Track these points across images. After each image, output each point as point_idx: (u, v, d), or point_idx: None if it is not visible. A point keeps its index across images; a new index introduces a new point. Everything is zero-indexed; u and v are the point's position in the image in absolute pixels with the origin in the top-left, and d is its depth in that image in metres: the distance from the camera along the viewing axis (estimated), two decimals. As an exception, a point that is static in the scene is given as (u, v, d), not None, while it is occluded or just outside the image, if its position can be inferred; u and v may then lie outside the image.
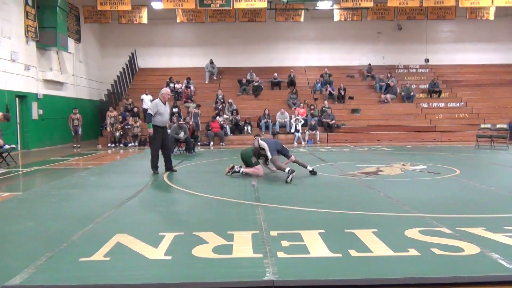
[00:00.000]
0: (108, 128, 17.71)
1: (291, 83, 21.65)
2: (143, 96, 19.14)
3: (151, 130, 8.78)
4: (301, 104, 19.76)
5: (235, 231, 4.42)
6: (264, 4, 17.91)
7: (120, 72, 22.23)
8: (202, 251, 3.81)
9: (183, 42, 24.28)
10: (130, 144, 17.21)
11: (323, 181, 7.84)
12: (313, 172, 8.32)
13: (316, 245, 3.95)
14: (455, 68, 24.12)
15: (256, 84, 21.53)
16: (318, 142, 17.96)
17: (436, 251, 3.74)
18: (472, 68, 24.12)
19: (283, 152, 8.39)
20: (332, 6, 19.87)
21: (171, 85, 20.78)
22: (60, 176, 9.03)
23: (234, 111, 18.98)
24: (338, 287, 3.18)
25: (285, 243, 3.98)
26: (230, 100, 19.78)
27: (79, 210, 5.67)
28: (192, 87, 21.26)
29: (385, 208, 5.55)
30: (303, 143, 17.69)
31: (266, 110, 18.60)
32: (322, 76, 22.15)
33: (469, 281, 3.20)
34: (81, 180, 8.37)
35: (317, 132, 18.17)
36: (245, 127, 18.57)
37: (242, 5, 17.88)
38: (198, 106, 18.50)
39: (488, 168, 10.16)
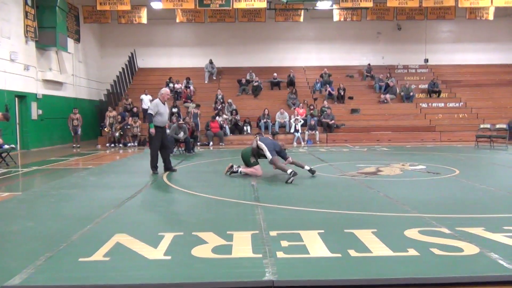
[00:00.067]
0: (106, 129, 17.71)
1: (291, 83, 21.65)
2: (143, 96, 19.14)
3: (153, 130, 8.79)
4: (301, 104, 19.76)
5: (235, 231, 4.41)
6: (263, 4, 17.91)
7: (120, 72, 22.23)
8: (201, 251, 3.81)
9: (182, 42, 24.28)
10: (129, 144, 17.21)
11: (323, 181, 7.83)
12: (311, 171, 8.28)
13: (315, 245, 3.95)
14: (455, 68, 24.14)
15: (255, 84, 21.54)
16: (318, 142, 17.96)
17: (436, 251, 3.75)
18: (471, 68, 24.14)
19: (281, 154, 8.36)
20: (331, 6, 19.88)
21: (171, 85, 20.78)
22: (60, 176, 9.03)
23: (234, 111, 18.98)
24: (338, 287, 3.18)
25: (284, 243, 3.98)
26: (229, 100, 19.78)
27: (78, 210, 5.67)
28: (191, 87, 21.26)
29: (385, 208, 5.55)
30: (302, 143, 17.69)
31: (266, 110, 18.60)
32: (321, 76, 22.15)
33: (468, 281, 3.20)
34: (80, 180, 8.37)
35: (317, 132, 18.17)
36: (245, 127, 18.57)
37: (242, 5, 17.88)
38: (197, 106, 18.51)
39: (487, 168, 10.17)
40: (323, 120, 18.65)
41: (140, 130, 17.38)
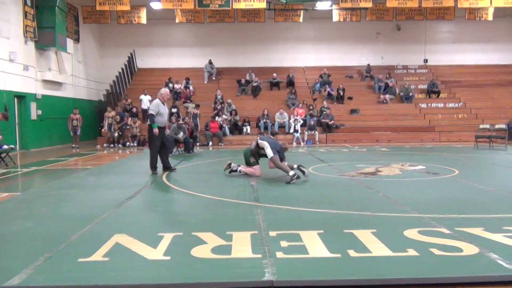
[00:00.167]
0: (104, 129, 17.69)
1: (290, 83, 21.65)
2: (142, 97, 19.14)
3: (156, 130, 8.81)
4: (300, 105, 19.76)
5: (234, 231, 4.41)
6: (263, 5, 17.91)
7: (119, 72, 22.20)
8: (201, 252, 3.81)
9: (182, 42, 24.27)
10: (127, 144, 17.19)
11: (322, 182, 7.84)
12: (300, 169, 8.00)
13: (315, 245, 3.95)
14: (454, 69, 24.14)
15: (255, 84, 21.53)
16: (317, 143, 17.96)
17: (435, 251, 3.75)
18: (471, 68, 24.15)
19: (280, 154, 8.34)
20: (331, 6, 19.89)
21: (170, 85, 20.77)
22: (59, 176, 9.02)
23: (233, 111, 18.97)
24: (337, 287, 3.18)
25: (284, 244, 3.98)
26: (229, 101, 19.77)
27: (78, 210, 5.67)
28: (191, 88, 21.25)
29: (384, 209, 5.54)
30: (302, 143, 17.69)
31: (265, 110, 18.60)
32: (321, 76, 22.16)
33: (468, 281, 3.20)
34: (80, 180, 8.36)
35: (316, 132, 18.17)
36: (244, 128, 18.57)
37: (241, 5, 17.88)
38: (197, 106, 18.50)
39: (486, 168, 10.17)
40: (323, 120, 18.66)
41: (140, 130, 17.37)
